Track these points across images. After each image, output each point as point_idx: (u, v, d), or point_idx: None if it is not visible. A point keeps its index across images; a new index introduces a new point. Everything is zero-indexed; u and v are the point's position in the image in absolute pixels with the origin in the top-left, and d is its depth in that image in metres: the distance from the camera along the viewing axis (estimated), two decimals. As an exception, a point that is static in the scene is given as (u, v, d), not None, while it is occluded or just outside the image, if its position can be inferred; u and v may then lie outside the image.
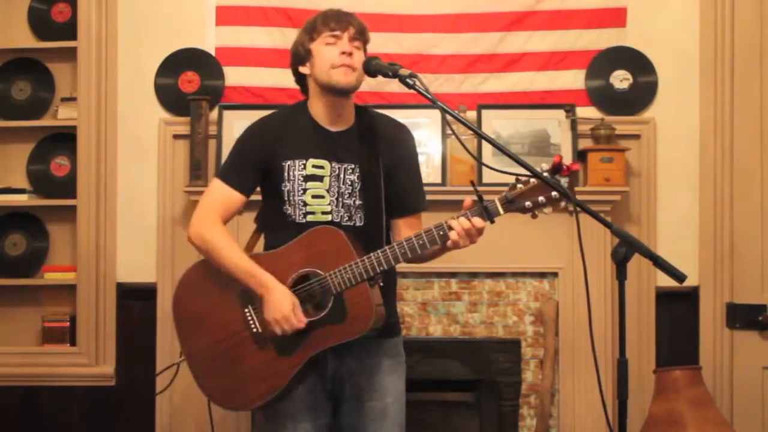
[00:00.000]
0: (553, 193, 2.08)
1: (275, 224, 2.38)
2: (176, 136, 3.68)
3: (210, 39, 3.74)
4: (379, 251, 2.21)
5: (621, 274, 2.01)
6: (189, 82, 3.72)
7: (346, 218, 2.34)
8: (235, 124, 3.58)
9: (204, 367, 2.37)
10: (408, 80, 2.17)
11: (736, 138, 3.61)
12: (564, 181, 2.10)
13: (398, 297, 3.52)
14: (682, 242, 3.62)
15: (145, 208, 3.71)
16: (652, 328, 3.61)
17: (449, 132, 3.57)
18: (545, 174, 2.07)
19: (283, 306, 2.22)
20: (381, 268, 2.21)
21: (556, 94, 3.70)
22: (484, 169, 3.54)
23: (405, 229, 2.37)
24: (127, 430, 3.73)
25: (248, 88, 3.73)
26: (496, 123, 3.64)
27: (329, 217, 2.32)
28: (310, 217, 2.32)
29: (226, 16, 3.73)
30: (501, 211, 2.14)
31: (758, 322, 3.56)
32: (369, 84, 3.35)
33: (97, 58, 3.71)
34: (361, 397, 2.35)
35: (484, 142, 3.47)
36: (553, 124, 3.63)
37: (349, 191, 2.34)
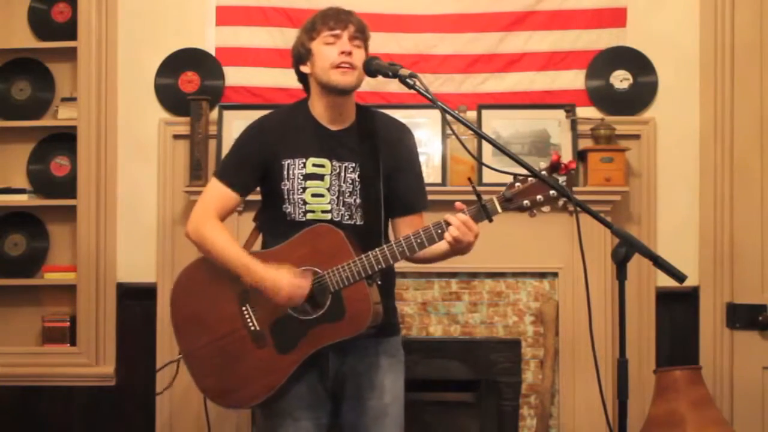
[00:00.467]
0: (551, 192, 2.09)
1: (274, 223, 2.38)
2: (176, 136, 3.68)
3: (210, 39, 3.74)
4: (377, 250, 2.21)
5: (621, 274, 2.01)
6: (189, 82, 3.72)
7: (347, 217, 2.33)
8: (235, 124, 3.58)
9: (201, 365, 2.37)
10: (408, 80, 2.17)
11: (736, 138, 3.61)
12: (562, 180, 2.10)
13: (398, 297, 3.53)
14: (682, 242, 3.63)
15: (145, 208, 3.71)
16: (652, 328, 3.61)
17: (449, 132, 3.57)
18: (543, 173, 2.07)
19: (282, 282, 2.21)
20: (379, 267, 2.21)
21: (556, 94, 3.70)
22: (484, 169, 3.54)
23: (406, 229, 2.36)
24: (127, 430, 3.73)
25: (248, 88, 3.73)
26: (496, 123, 3.64)
27: (329, 216, 2.32)
28: (309, 216, 2.32)
29: (226, 16, 3.73)
30: (499, 209, 2.14)
31: (758, 322, 3.56)
32: (369, 84, 3.35)
33: (97, 58, 3.71)
34: (361, 396, 2.36)
35: (484, 142, 3.47)
36: (553, 124, 3.63)
37: (350, 190, 2.34)
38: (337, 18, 2.31)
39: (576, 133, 3.61)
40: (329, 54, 2.29)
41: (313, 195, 2.33)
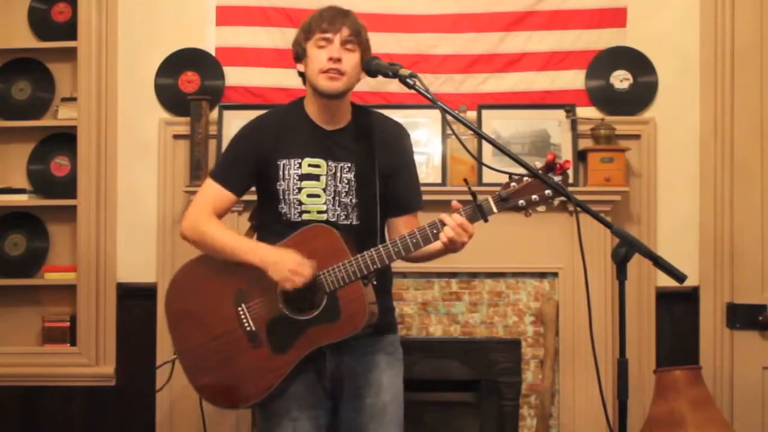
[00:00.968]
0: (547, 192, 2.09)
1: (270, 223, 2.38)
2: (176, 136, 3.68)
3: (210, 39, 3.74)
4: (372, 250, 2.21)
5: (621, 274, 2.01)
6: (189, 82, 3.72)
7: (343, 217, 2.33)
8: (235, 124, 3.53)
9: (197, 365, 2.36)
10: (408, 80, 2.17)
11: (736, 138, 3.61)
12: (558, 180, 2.10)
13: (398, 297, 3.54)
14: (682, 242, 3.62)
15: (145, 208, 3.71)
16: (652, 328, 3.61)
17: (449, 132, 3.57)
18: (539, 172, 2.07)
19: (286, 260, 2.21)
20: (374, 267, 2.20)
21: (557, 94, 3.70)
22: (484, 169, 3.54)
23: (402, 229, 2.36)
24: (127, 430, 3.73)
25: (248, 88, 3.73)
26: (496, 123, 3.64)
27: (325, 216, 2.32)
28: (305, 216, 2.32)
29: (226, 16, 3.73)
30: (495, 209, 2.14)
31: (758, 322, 3.56)
32: (369, 84, 3.36)
33: (97, 58, 3.71)
34: (359, 395, 2.35)
35: (484, 142, 3.47)
36: (554, 124, 3.63)
37: (346, 190, 2.33)
38: (330, 20, 2.29)
39: (576, 133, 3.61)
40: (319, 58, 2.28)
41: (309, 195, 2.32)
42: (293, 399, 2.32)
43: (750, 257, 3.59)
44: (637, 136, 3.64)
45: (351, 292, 2.21)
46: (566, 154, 3.58)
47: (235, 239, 2.32)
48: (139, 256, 3.71)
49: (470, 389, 3.68)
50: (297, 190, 2.32)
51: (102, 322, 3.70)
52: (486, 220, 2.16)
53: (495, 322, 3.60)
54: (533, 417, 3.59)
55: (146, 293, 3.67)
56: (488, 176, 3.51)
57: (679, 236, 3.63)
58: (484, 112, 3.64)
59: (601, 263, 3.47)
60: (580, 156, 3.60)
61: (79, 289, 3.70)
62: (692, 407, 3.21)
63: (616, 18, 3.69)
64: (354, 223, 2.34)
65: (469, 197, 2.15)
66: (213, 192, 2.37)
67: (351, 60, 2.29)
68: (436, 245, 2.21)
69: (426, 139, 3.61)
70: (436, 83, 3.66)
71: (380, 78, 2.28)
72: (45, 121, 3.80)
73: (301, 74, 2.40)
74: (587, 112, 3.67)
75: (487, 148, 3.53)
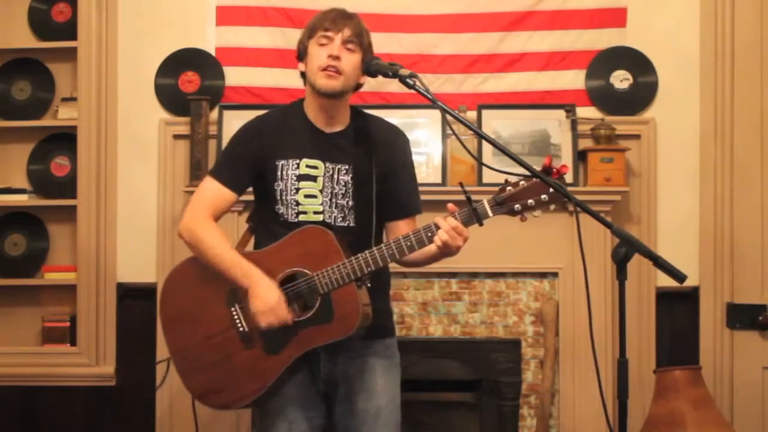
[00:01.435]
0: (543, 196, 2.09)
1: (267, 224, 2.38)
2: (176, 136, 3.68)
3: (210, 39, 3.74)
4: (366, 252, 2.20)
5: (621, 274, 2.01)
6: (189, 82, 3.72)
7: (340, 218, 2.33)
8: (235, 124, 3.50)
9: (189, 364, 2.36)
10: (408, 80, 2.17)
11: (736, 138, 3.61)
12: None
13: (398, 297, 3.54)
14: (682, 242, 3.63)
15: (145, 208, 3.71)
16: (652, 328, 3.62)
17: (449, 132, 3.57)
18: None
19: (269, 298, 2.21)
20: (369, 269, 2.20)
21: (557, 94, 3.70)
22: (484, 169, 3.54)
23: (400, 232, 2.35)
24: (127, 430, 3.73)
25: (248, 88, 3.73)
26: (496, 123, 3.64)
27: (321, 217, 2.32)
28: (302, 217, 2.32)
29: (226, 16, 3.73)
30: (490, 213, 2.14)
31: (758, 322, 3.56)
32: (369, 84, 3.33)
33: (97, 58, 3.71)
34: (353, 399, 2.35)
35: (484, 142, 3.47)
36: (554, 124, 3.63)
37: (343, 192, 2.33)
38: (333, 20, 2.30)
39: (576, 133, 3.61)
40: (319, 55, 2.28)
41: (306, 196, 2.32)
42: (288, 399, 2.32)
43: (750, 257, 3.59)
44: (637, 136, 3.64)
45: (345, 294, 2.21)
46: (566, 154, 3.58)
47: (230, 257, 2.28)
48: (139, 256, 3.71)
49: (470, 389, 3.68)
50: (294, 191, 2.32)
51: (102, 322, 3.70)
52: (481, 224, 2.15)
53: (495, 322, 3.60)
54: (533, 417, 3.59)
55: (146, 293, 3.67)
56: (488, 176, 3.51)
57: (679, 236, 3.63)
58: (484, 112, 3.65)
59: (601, 263, 3.47)
60: (580, 156, 3.60)
61: (79, 289, 3.70)
62: (692, 407, 3.21)
63: (616, 18, 3.69)
64: (351, 224, 2.33)
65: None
66: (212, 190, 2.36)
67: (351, 60, 2.29)
68: (431, 249, 2.20)
69: (426, 139, 3.61)
70: (436, 83, 3.66)
71: (380, 78, 2.28)
72: (45, 121, 3.80)
73: (303, 75, 2.40)
74: (587, 112, 3.67)
75: (487, 148, 3.53)
